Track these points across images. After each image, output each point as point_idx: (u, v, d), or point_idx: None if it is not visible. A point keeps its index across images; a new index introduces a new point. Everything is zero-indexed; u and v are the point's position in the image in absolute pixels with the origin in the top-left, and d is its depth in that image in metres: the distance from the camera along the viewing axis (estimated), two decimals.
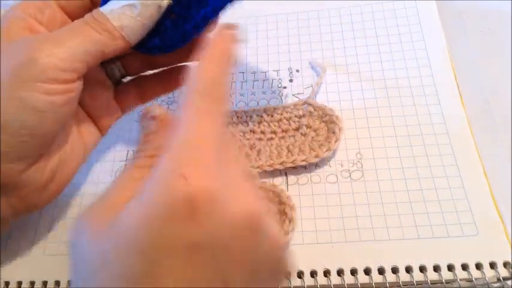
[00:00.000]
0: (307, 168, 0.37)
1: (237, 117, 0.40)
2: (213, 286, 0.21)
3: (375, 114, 0.39)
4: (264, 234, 0.22)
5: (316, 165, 0.37)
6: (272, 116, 0.39)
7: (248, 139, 0.39)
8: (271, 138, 0.39)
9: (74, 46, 0.29)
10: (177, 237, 0.20)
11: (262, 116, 0.39)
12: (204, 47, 0.25)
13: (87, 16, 0.30)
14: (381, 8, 0.45)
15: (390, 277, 0.32)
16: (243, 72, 0.44)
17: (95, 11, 0.31)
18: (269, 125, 0.39)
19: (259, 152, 0.38)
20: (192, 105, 0.23)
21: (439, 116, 0.38)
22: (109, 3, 0.31)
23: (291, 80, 0.42)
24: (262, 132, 0.39)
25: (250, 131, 0.39)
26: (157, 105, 0.28)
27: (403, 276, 0.32)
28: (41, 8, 0.32)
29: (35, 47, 0.29)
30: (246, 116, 0.40)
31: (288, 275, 0.31)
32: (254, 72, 0.43)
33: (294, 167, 0.37)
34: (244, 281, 0.22)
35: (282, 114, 0.39)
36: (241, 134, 0.39)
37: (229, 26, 0.27)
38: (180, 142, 0.22)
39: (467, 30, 0.44)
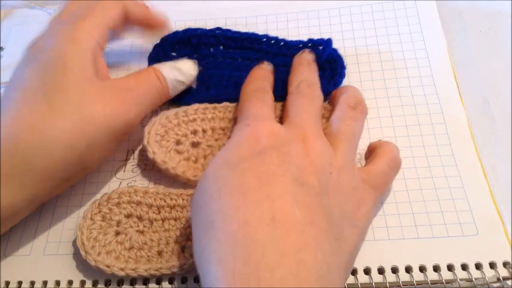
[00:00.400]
0: None
1: (229, 111, 0.39)
2: (287, 181, 0.27)
3: (375, 115, 0.39)
4: (321, 159, 0.29)
5: None
6: None
7: None
8: None
9: (145, 104, 0.36)
10: (249, 150, 0.28)
11: None
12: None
13: (150, 69, 0.37)
14: (381, 8, 0.45)
15: (390, 277, 0.32)
16: None
17: (155, 68, 0.37)
18: None
19: None
20: (246, 97, 0.35)
21: (439, 116, 0.38)
22: (162, 64, 0.38)
23: None
24: None
25: None
26: None
27: (403, 276, 0.32)
28: (104, 37, 0.36)
29: (125, 111, 0.34)
30: None
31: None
32: None
33: None
34: (318, 183, 0.28)
35: (281, 111, 0.39)
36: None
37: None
38: (242, 113, 0.34)
39: (467, 30, 0.44)
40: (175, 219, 0.35)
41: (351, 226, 0.29)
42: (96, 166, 0.36)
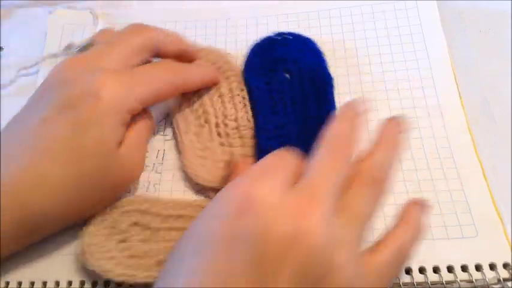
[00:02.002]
0: None
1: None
2: (248, 280, 0.22)
3: (374, 117, 0.38)
4: (314, 256, 0.22)
5: None
6: None
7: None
8: None
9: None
10: (222, 229, 0.23)
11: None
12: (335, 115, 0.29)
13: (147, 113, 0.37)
14: (381, 8, 0.45)
15: None
16: None
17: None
18: None
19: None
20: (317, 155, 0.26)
21: (439, 119, 0.38)
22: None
23: None
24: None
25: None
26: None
27: (403, 278, 0.32)
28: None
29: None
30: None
31: None
32: None
33: None
34: None
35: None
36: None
37: (355, 104, 0.29)
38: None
39: (467, 30, 0.44)
40: (177, 230, 0.34)
41: None
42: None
